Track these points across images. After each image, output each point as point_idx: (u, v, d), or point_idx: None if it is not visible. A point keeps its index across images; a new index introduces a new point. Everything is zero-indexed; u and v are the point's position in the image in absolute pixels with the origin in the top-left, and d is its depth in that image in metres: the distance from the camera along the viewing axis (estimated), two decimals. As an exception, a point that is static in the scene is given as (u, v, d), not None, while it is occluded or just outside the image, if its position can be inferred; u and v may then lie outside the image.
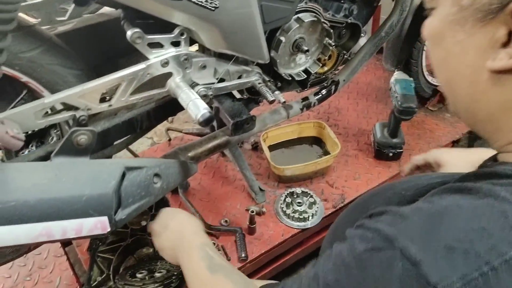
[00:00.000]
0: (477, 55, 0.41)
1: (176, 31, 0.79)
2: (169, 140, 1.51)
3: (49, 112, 0.76)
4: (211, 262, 0.66)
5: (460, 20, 0.41)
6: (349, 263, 0.40)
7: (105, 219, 0.72)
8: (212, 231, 1.20)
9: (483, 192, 0.35)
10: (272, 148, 1.43)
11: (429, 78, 1.51)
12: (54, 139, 0.99)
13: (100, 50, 0.96)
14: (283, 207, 1.25)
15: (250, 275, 1.18)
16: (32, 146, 1.00)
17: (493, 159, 0.47)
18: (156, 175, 0.81)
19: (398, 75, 1.31)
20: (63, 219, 0.68)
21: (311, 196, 1.28)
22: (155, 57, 0.79)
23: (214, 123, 1.22)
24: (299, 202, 1.27)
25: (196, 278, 0.67)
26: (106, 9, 1.02)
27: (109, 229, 0.73)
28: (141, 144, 1.87)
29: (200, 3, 0.73)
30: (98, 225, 0.72)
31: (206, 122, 0.78)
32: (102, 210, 0.71)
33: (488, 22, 0.38)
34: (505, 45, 0.38)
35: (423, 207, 0.39)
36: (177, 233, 0.77)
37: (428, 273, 0.31)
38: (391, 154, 1.39)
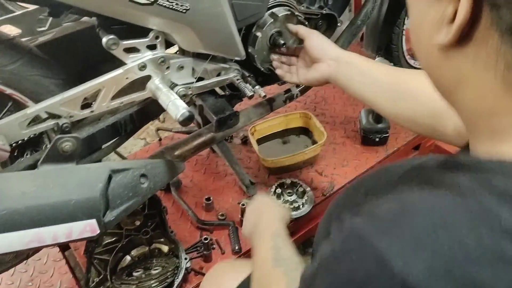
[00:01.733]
0: (431, 28, 0.41)
1: (151, 35, 0.81)
2: (160, 140, 1.54)
3: (33, 121, 0.79)
4: (277, 254, 0.66)
5: None
6: (328, 262, 0.40)
7: (93, 222, 0.74)
8: (205, 226, 1.23)
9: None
10: (260, 141, 1.46)
11: (411, 62, 1.53)
12: (48, 146, 1.01)
13: (82, 58, 0.99)
14: (273, 199, 1.28)
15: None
16: (27, 154, 1.02)
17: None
18: (143, 175, 0.84)
19: (379, 61, 1.33)
20: (53, 225, 0.71)
21: (301, 186, 1.30)
22: (132, 62, 0.81)
23: (200, 121, 1.24)
24: (289, 192, 1.30)
25: (260, 267, 0.68)
26: (86, 17, 1.04)
27: (98, 231, 0.75)
28: (134, 146, 1.90)
29: (170, 6, 0.75)
30: (88, 228, 0.75)
31: (186, 121, 0.81)
32: (91, 213, 0.74)
33: None
34: (451, 22, 0.38)
35: (393, 207, 0.38)
36: (255, 219, 0.79)
37: (395, 266, 0.31)
38: (377, 139, 1.42)
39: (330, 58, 0.86)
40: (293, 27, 0.96)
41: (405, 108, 0.77)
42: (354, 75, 0.82)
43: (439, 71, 0.44)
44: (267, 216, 0.78)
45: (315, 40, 0.89)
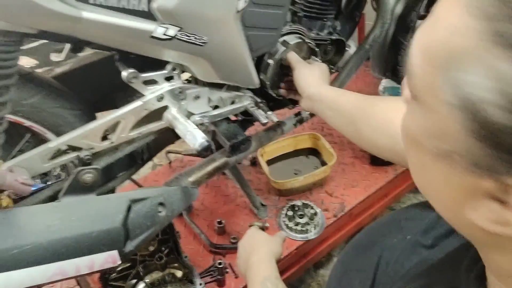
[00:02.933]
0: (458, 190, 0.32)
1: (169, 67, 0.83)
2: (170, 162, 1.55)
3: (55, 154, 0.80)
4: None
5: None
6: None
7: (115, 252, 0.75)
8: (218, 249, 1.24)
9: None
10: (270, 162, 1.47)
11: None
12: (58, 170, 1.02)
13: (98, 88, 1.00)
14: (285, 221, 1.28)
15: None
16: (36, 180, 1.03)
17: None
18: (160, 204, 0.85)
19: (386, 82, 1.35)
20: (75, 257, 0.71)
21: (312, 208, 1.31)
22: (150, 93, 0.83)
23: (213, 146, 1.25)
24: (300, 215, 1.30)
25: None
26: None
27: (119, 262, 0.76)
28: (142, 168, 1.90)
29: (189, 40, 0.77)
30: (109, 259, 0.75)
31: (204, 151, 0.82)
32: (112, 244, 0.75)
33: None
34: (492, 197, 0.30)
35: None
36: (246, 259, 0.82)
37: None
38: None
39: (305, 96, 0.92)
40: (287, 56, 1.00)
41: (364, 131, 0.79)
42: (326, 110, 0.88)
43: (465, 229, 0.36)
44: (258, 257, 0.81)
45: (296, 75, 0.95)
